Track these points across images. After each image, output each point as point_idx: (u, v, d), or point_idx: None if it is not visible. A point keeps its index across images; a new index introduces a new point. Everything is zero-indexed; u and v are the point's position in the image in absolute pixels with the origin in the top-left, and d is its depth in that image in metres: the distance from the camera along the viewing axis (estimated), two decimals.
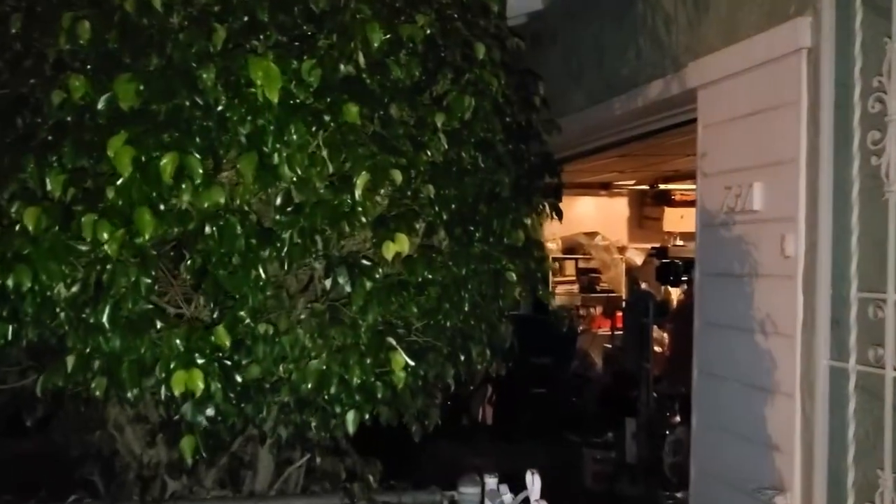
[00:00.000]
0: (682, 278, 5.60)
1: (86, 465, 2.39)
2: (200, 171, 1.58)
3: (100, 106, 1.62)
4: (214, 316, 1.72)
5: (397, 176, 1.71)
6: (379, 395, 1.78)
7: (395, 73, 1.76)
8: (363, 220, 1.70)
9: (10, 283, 1.58)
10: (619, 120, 3.76)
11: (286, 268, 1.71)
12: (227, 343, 1.64)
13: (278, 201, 1.69)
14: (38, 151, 1.66)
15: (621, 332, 6.02)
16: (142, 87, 1.60)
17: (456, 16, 1.97)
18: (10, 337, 1.68)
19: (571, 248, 8.15)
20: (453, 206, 1.88)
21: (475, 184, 1.96)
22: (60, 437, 2.37)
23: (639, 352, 5.18)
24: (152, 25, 1.70)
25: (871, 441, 2.23)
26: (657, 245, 7.09)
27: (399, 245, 1.71)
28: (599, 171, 6.87)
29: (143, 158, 1.56)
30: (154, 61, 1.67)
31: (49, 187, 1.61)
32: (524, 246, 2.11)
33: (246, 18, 1.73)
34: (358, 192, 1.67)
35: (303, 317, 1.75)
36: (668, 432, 4.69)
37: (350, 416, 1.79)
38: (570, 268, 8.14)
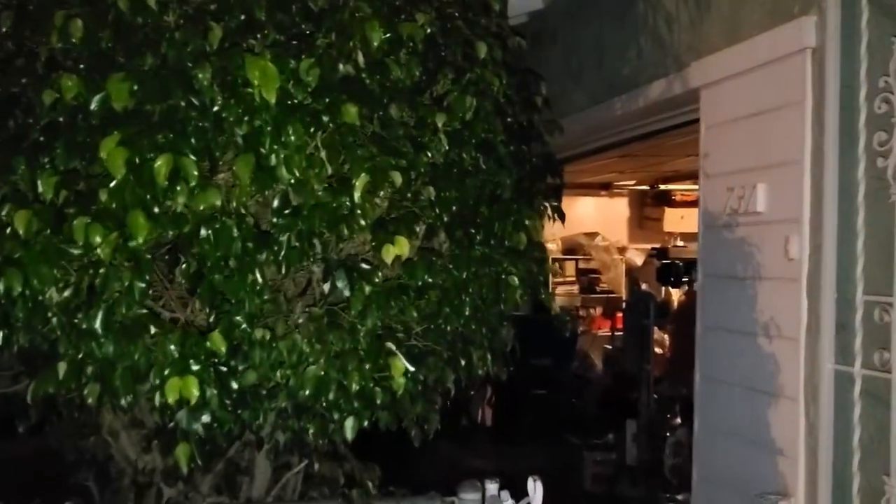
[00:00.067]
0: (683, 279, 5.57)
1: (80, 470, 2.36)
2: (196, 172, 1.55)
3: (93, 106, 1.58)
4: (211, 320, 1.69)
5: (397, 178, 1.68)
6: (378, 402, 1.75)
7: (395, 73, 1.73)
8: (362, 222, 1.67)
9: (0, 287, 1.54)
10: (621, 120, 3.74)
11: (284, 271, 1.67)
12: (223, 349, 1.61)
13: (276, 204, 1.66)
14: (30, 153, 1.63)
15: (621, 334, 5.99)
16: (136, 87, 1.56)
17: (457, 14, 1.94)
18: (0, 342, 1.65)
19: (571, 248, 8.12)
20: (454, 208, 1.85)
21: (476, 185, 1.94)
22: (54, 443, 2.34)
23: (639, 353, 5.15)
24: (147, 24, 1.66)
25: (876, 446, 2.21)
26: (657, 246, 7.07)
27: (399, 248, 1.68)
28: (600, 172, 6.84)
29: (137, 160, 1.53)
30: (148, 61, 1.64)
31: (41, 189, 1.58)
32: (526, 249, 2.08)
33: (243, 17, 1.69)
34: (357, 195, 1.64)
35: (301, 321, 1.72)
36: (668, 434, 4.67)
37: (348, 422, 1.76)
38: (570, 268, 8.11)
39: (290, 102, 1.63)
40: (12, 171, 1.62)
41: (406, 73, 1.75)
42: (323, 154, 1.64)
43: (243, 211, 1.64)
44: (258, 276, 1.61)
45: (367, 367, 1.71)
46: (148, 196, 1.54)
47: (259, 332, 1.67)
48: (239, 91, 1.61)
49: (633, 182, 7.85)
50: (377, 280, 1.72)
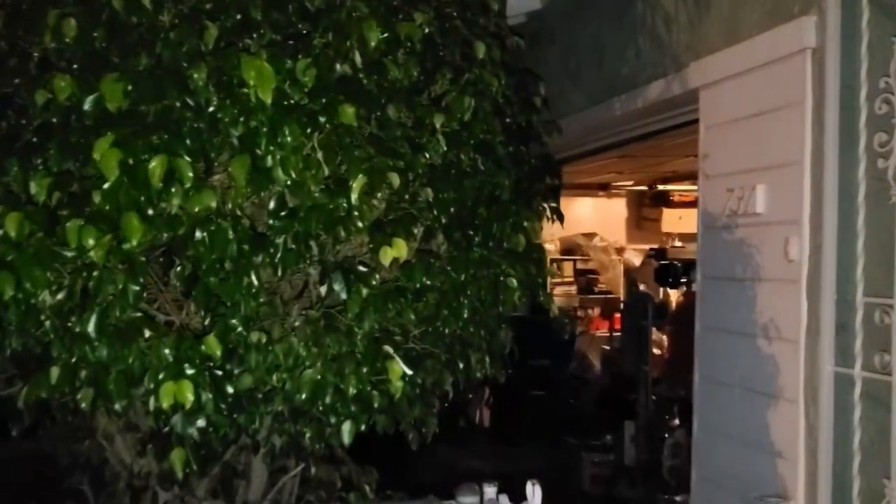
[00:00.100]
0: (681, 280, 5.56)
1: (74, 473, 2.34)
2: (191, 174, 1.53)
3: (86, 107, 1.56)
4: (206, 323, 1.67)
5: (395, 179, 1.66)
6: (375, 405, 1.73)
7: (393, 73, 1.72)
8: (359, 224, 1.65)
9: None
10: (619, 121, 3.72)
11: (280, 274, 1.65)
12: (218, 353, 1.59)
13: (272, 205, 1.64)
14: (23, 154, 1.61)
15: (620, 334, 5.98)
16: (130, 88, 1.55)
17: (455, 14, 1.92)
18: None
19: (570, 249, 8.11)
20: (452, 209, 1.84)
21: (475, 187, 1.92)
22: (48, 446, 2.32)
23: (637, 354, 5.14)
24: (141, 23, 1.65)
25: (876, 449, 2.20)
26: (655, 246, 7.05)
27: (396, 250, 1.66)
28: (598, 172, 6.83)
29: (131, 161, 1.51)
30: (143, 61, 1.62)
31: (33, 191, 1.56)
32: (524, 250, 2.06)
33: (239, 16, 1.67)
34: (354, 196, 1.63)
35: (297, 324, 1.70)
36: (666, 435, 4.66)
37: (345, 426, 1.74)
38: (568, 269, 8.10)
39: (286, 103, 1.62)
40: (5, 173, 1.61)
41: (404, 74, 1.73)
42: (320, 155, 1.62)
43: (239, 213, 1.62)
44: (254, 278, 1.60)
45: (365, 370, 1.69)
46: (142, 198, 1.52)
47: (255, 335, 1.65)
48: (235, 91, 1.59)
49: (631, 182, 7.84)
50: (374, 282, 1.70)
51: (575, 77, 4.02)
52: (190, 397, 1.54)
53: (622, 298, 7.34)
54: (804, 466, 2.41)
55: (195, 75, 1.57)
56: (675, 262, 5.67)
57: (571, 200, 7.65)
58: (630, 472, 4.87)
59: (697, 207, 3.06)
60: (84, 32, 1.61)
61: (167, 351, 1.57)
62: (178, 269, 1.61)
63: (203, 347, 1.59)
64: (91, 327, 1.55)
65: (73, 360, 1.58)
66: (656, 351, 5.45)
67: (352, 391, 1.68)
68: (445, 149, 1.79)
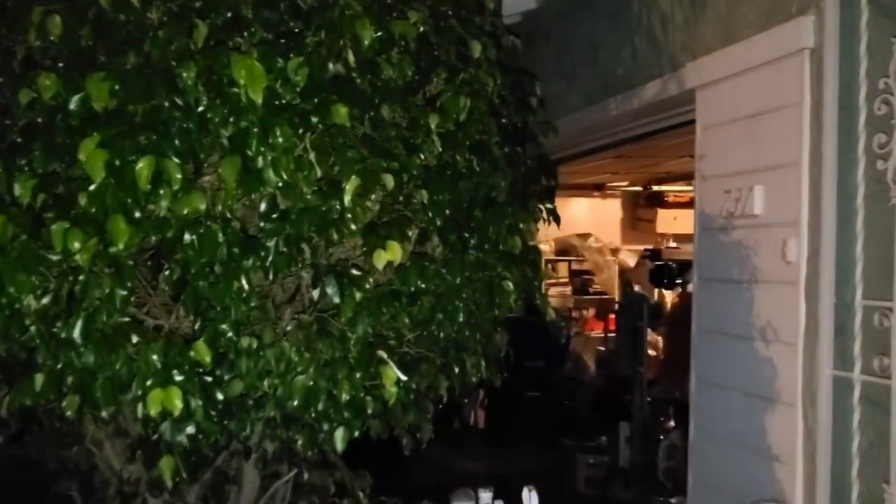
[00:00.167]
0: (676, 281, 5.55)
1: (63, 479, 2.30)
2: (179, 175, 1.49)
3: (72, 106, 1.52)
4: (196, 327, 1.63)
5: (389, 180, 1.63)
6: (369, 411, 1.70)
7: (387, 73, 1.68)
8: (353, 227, 1.62)
9: None
10: (615, 121, 3.70)
11: (271, 278, 1.62)
12: (208, 358, 1.55)
13: (263, 207, 1.60)
14: (6, 154, 1.57)
15: (614, 335, 5.96)
16: (117, 87, 1.51)
17: (450, 12, 1.89)
18: None
19: (564, 249, 8.10)
20: (447, 211, 1.81)
21: (470, 188, 1.89)
22: (35, 452, 2.28)
23: (632, 355, 5.12)
24: (129, 21, 1.61)
25: (876, 453, 2.18)
26: (650, 247, 7.05)
27: (390, 253, 1.63)
28: (593, 173, 6.82)
29: (118, 162, 1.47)
30: (131, 59, 1.58)
31: (17, 193, 1.52)
32: (521, 252, 2.03)
33: (229, 14, 1.64)
34: (347, 198, 1.59)
35: (289, 329, 1.67)
36: (662, 437, 4.64)
37: (338, 433, 1.71)
38: (563, 269, 8.08)
39: (277, 103, 1.58)
40: None
41: (398, 73, 1.70)
42: (312, 156, 1.59)
43: (229, 215, 1.58)
44: (244, 282, 1.56)
45: (358, 375, 1.66)
46: (129, 200, 1.48)
47: (245, 340, 1.61)
48: (225, 91, 1.55)
49: (626, 183, 7.84)
50: (368, 286, 1.67)
51: (570, 77, 4.00)
52: (178, 404, 1.50)
53: (617, 299, 7.33)
54: (802, 471, 2.39)
55: (184, 74, 1.53)
56: (671, 263, 5.66)
57: (566, 201, 7.64)
58: (625, 473, 4.86)
59: (694, 209, 3.03)
60: (70, 30, 1.57)
61: (155, 357, 1.53)
62: (167, 272, 1.57)
63: (192, 353, 1.56)
64: (77, 333, 1.51)
65: (59, 366, 1.54)
66: (651, 352, 5.44)
67: (345, 397, 1.64)
68: (440, 150, 1.76)
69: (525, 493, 2.07)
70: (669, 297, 6.31)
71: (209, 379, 1.61)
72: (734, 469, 2.70)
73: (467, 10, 1.98)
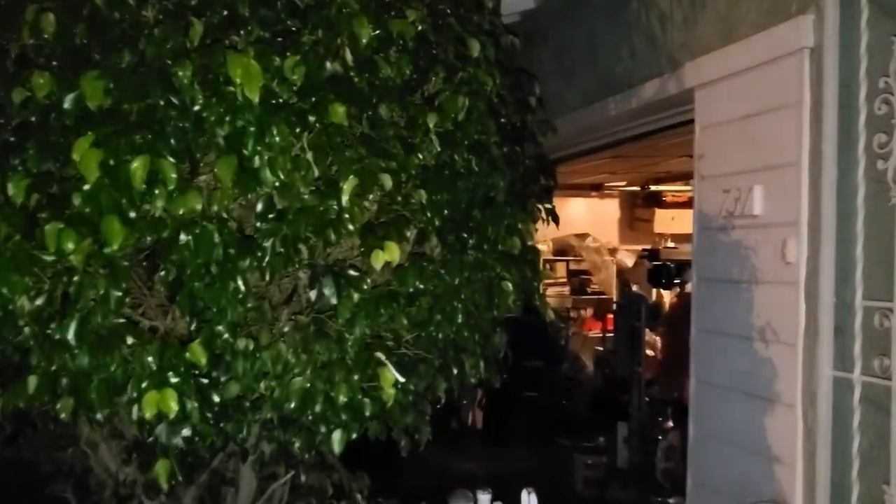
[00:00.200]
0: (674, 281, 5.54)
1: (57, 481, 2.28)
2: (174, 175, 1.48)
3: (66, 105, 1.51)
4: (192, 329, 1.61)
5: (387, 180, 1.61)
6: (367, 413, 1.68)
7: (385, 72, 1.67)
8: (350, 227, 1.61)
9: None
10: (614, 121, 3.69)
11: (268, 278, 1.60)
12: (203, 360, 1.53)
13: (259, 207, 1.59)
14: (0, 154, 1.54)
15: (613, 335, 5.95)
16: (111, 86, 1.49)
17: (449, 11, 1.88)
18: None
19: (562, 249, 8.09)
20: (446, 211, 1.79)
21: (469, 188, 1.88)
22: (29, 454, 2.26)
23: (630, 355, 5.11)
24: (124, 19, 1.59)
25: (876, 454, 2.17)
26: (648, 247, 7.04)
27: (389, 254, 1.62)
28: (591, 173, 6.81)
29: (112, 162, 1.45)
30: (126, 58, 1.56)
31: (11, 193, 1.50)
32: (520, 253, 2.02)
33: (225, 12, 1.62)
34: (345, 198, 1.58)
35: (286, 330, 1.65)
36: (660, 437, 4.63)
37: (336, 435, 1.69)
38: (560, 269, 8.08)
39: (274, 102, 1.56)
40: None
41: (396, 72, 1.68)
42: (309, 155, 1.57)
43: (225, 215, 1.56)
44: (240, 283, 1.54)
45: (356, 377, 1.64)
46: (124, 200, 1.47)
47: (242, 341, 1.60)
48: (221, 90, 1.54)
49: (623, 183, 7.83)
50: (366, 287, 1.65)
51: (569, 77, 3.98)
52: (174, 407, 1.49)
53: (615, 299, 7.33)
54: (802, 472, 2.38)
55: (180, 73, 1.52)
56: (668, 263, 5.65)
57: (564, 201, 7.63)
58: (623, 474, 4.85)
59: (693, 208, 3.02)
60: (64, 28, 1.55)
61: (150, 359, 1.51)
62: (162, 273, 1.55)
63: (188, 355, 1.54)
64: (71, 334, 1.49)
65: (53, 368, 1.52)
66: (649, 352, 5.43)
67: (342, 399, 1.63)
68: (439, 149, 1.75)
69: (524, 495, 2.06)
70: (668, 297, 6.30)
71: (205, 381, 1.59)
72: (734, 470, 2.69)
73: (466, 8, 1.97)
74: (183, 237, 1.51)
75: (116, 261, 1.49)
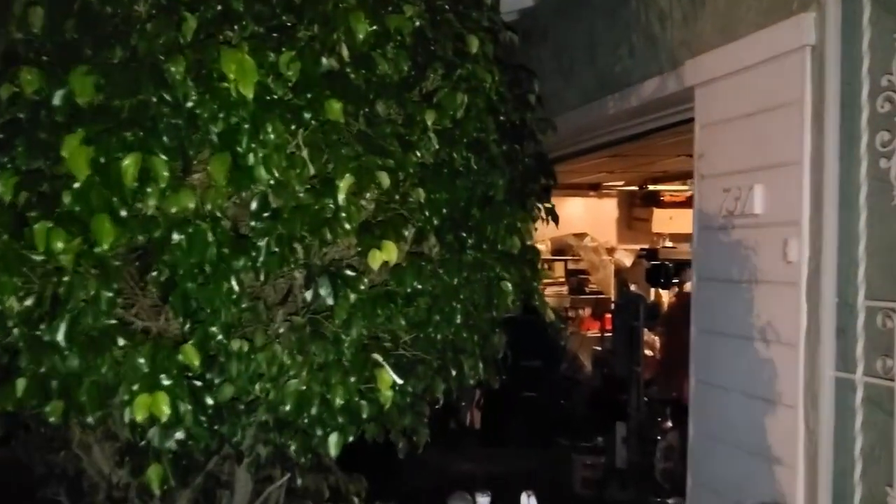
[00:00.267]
0: (673, 280, 5.53)
1: (50, 483, 2.25)
2: (167, 173, 1.45)
3: (56, 102, 1.48)
4: (185, 330, 1.58)
5: (384, 178, 1.59)
6: (364, 416, 1.65)
7: (382, 68, 1.64)
8: (347, 226, 1.58)
9: None
10: (613, 119, 3.67)
11: (262, 278, 1.58)
12: (197, 362, 1.51)
13: (254, 206, 1.56)
14: None
15: (611, 335, 5.93)
16: (102, 81, 1.46)
17: (447, 7, 1.85)
18: None
19: (560, 249, 8.08)
20: (444, 210, 1.77)
21: (467, 187, 1.85)
22: (23, 456, 2.23)
23: (629, 355, 5.09)
24: (115, 14, 1.57)
25: (878, 456, 2.15)
26: (646, 246, 7.02)
27: (386, 253, 1.59)
28: (589, 172, 6.79)
29: (103, 160, 1.42)
30: (117, 53, 1.54)
31: None
32: (519, 252, 1.99)
33: (219, 7, 1.59)
34: (341, 196, 1.55)
35: (281, 331, 1.63)
36: (659, 437, 4.61)
37: (333, 438, 1.66)
38: (559, 269, 8.06)
39: (269, 98, 1.54)
40: None
41: (393, 68, 1.66)
42: (304, 153, 1.55)
43: (219, 214, 1.54)
44: (234, 283, 1.51)
45: (352, 379, 1.62)
46: (115, 198, 1.44)
47: (236, 343, 1.57)
48: (214, 86, 1.51)
49: (621, 182, 7.82)
50: (363, 287, 1.63)
51: (568, 75, 3.96)
52: (166, 410, 1.46)
53: (613, 299, 7.31)
54: (804, 473, 2.36)
55: (172, 69, 1.49)
56: (667, 263, 5.63)
57: (562, 200, 7.61)
58: (621, 474, 4.83)
59: (692, 208, 3.00)
60: (53, 22, 1.53)
61: (142, 360, 1.48)
62: (155, 273, 1.52)
63: (181, 356, 1.51)
64: (61, 335, 1.46)
65: (43, 370, 1.49)
66: (648, 352, 5.41)
67: (339, 402, 1.60)
68: (437, 147, 1.73)
69: (524, 498, 2.03)
70: (666, 296, 6.28)
71: (199, 383, 1.56)
72: (734, 471, 2.66)
73: (464, 4, 1.94)
74: (176, 236, 1.48)
75: (107, 261, 1.46)
